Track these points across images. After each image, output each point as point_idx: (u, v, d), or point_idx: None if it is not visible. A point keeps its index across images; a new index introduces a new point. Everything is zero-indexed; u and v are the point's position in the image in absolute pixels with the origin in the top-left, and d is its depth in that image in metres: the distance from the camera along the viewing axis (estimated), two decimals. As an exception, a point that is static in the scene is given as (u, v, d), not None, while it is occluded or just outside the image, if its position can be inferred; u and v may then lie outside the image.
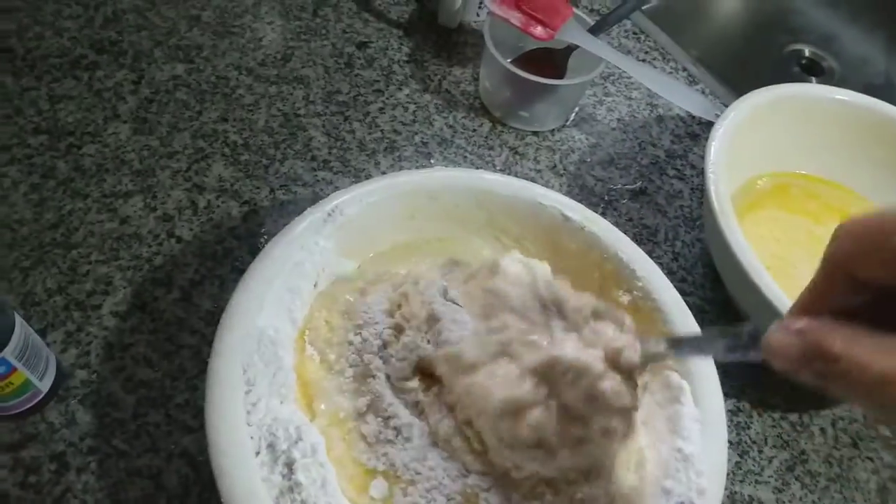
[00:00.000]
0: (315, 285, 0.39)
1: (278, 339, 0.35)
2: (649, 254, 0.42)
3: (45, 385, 0.38)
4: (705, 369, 0.37)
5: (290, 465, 0.31)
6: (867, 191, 0.55)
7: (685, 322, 0.39)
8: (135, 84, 0.55)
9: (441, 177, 0.42)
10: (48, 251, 0.45)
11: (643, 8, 0.72)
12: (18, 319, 0.35)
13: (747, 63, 0.78)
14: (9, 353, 0.34)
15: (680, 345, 0.34)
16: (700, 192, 0.57)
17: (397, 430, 0.34)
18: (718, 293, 0.50)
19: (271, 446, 0.32)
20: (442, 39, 0.63)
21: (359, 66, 0.59)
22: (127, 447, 0.39)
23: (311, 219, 0.38)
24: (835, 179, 0.56)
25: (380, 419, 0.35)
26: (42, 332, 0.42)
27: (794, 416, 0.46)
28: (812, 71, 0.80)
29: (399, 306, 0.38)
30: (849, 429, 0.46)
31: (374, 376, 0.36)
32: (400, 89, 0.58)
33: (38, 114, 0.52)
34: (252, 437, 0.32)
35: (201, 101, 0.54)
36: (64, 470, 0.38)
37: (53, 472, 0.37)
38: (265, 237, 0.47)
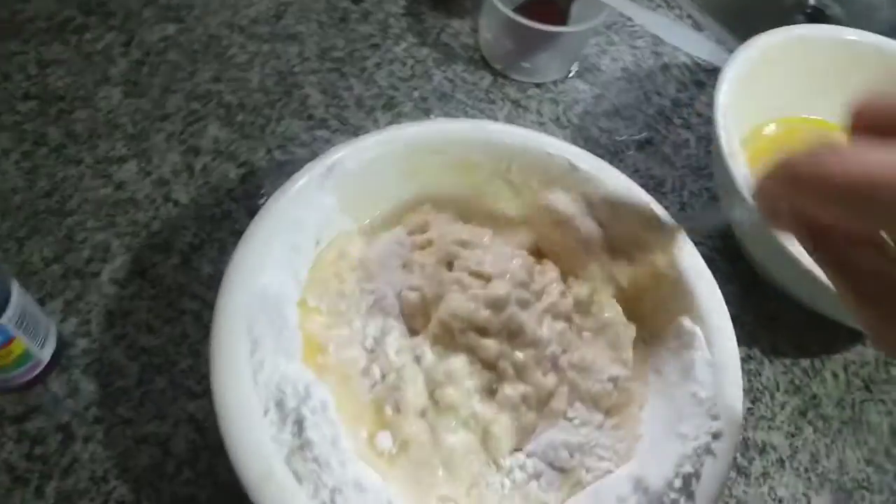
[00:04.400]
0: (317, 242, 0.38)
1: (282, 297, 0.34)
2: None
3: (45, 354, 0.38)
4: (717, 314, 0.36)
5: (299, 423, 0.31)
6: (878, 134, 0.54)
7: (701, 274, 0.38)
8: (125, 46, 0.53)
9: (445, 129, 0.41)
10: (43, 219, 0.44)
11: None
12: (16, 286, 0.34)
13: (752, 11, 0.76)
14: (7, 320, 0.33)
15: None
16: (706, 140, 0.55)
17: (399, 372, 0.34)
18: (728, 243, 0.49)
19: (280, 405, 0.31)
20: (439, -9, 0.61)
21: (354, 21, 0.57)
22: (133, 415, 0.38)
23: (310, 174, 0.37)
24: (843, 123, 0.54)
25: (386, 363, 0.34)
26: (41, 302, 0.41)
27: (805, 362, 0.45)
28: (817, 19, 0.78)
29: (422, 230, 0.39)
30: (861, 372, 0.45)
31: (389, 314, 0.36)
32: (397, 44, 0.57)
33: (26, 79, 0.50)
34: (259, 397, 0.31)
35: (193, 61, 0.53)
36: (70, 440, 0.37)
37: (60, 443, 0.37)
38: (264, 198, 0.46)
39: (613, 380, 0.35)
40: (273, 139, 0.50)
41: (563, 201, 0.37)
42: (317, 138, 0.50)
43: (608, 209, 0.37)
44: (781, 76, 0.51)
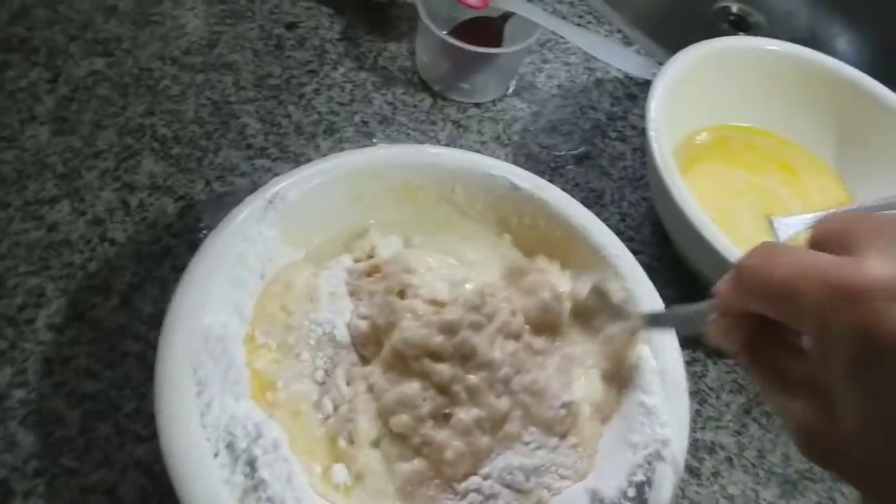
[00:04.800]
0: (262, 276, 0.37)
1: (227, 335, 0.34)
2: (597, 216, 0.42)
3: (-22, 409, 0.36)
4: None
5: (251, 464, 0.30)
6: (801, 139, 0.56)
7: (639, 282, 0.39)
8: (51, 83, 0.51)
9: (385, 154, 0.41)
10: (-30, 267, 0.42)
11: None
12: (-59, 341, 0.33)
13: (678, 22, 0.79)
14: (-67, 377, 0.32)
15: (654, 321, 0.36)
16: (642, 151, 0.57)
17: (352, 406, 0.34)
18: (666, 250, 0.51)
19: (230, 446, 0.30)
20: (374, 15, 0.61)
21: (289, 48, 0.57)
22: (77, 464, 0.37)
23: (251, 207, 0.37)
24: (770, 130, 0.57)
25: (338, 395, 0.34)
26: (-29, 353, 0.39)
27: (748, 362, 0.47)
28: (740, 27, 0.81)
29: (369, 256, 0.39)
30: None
31: (339, 344, 0.36)
32: (335, 69, 0.57)
33: (-55, 121, 0.48)
34: (209, 439, 0.30)
35: (125, 95, 0.52)
36: (9, 497, 0.35)
37: (-3, 501, 0.35)
38: (205, 232, 0.45)
39: (567, 405, 0.35)
40: (211, 171, 0.49)
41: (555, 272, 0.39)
42: (257, 167, 0.49)
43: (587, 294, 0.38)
44: (709, 87, 0.53)
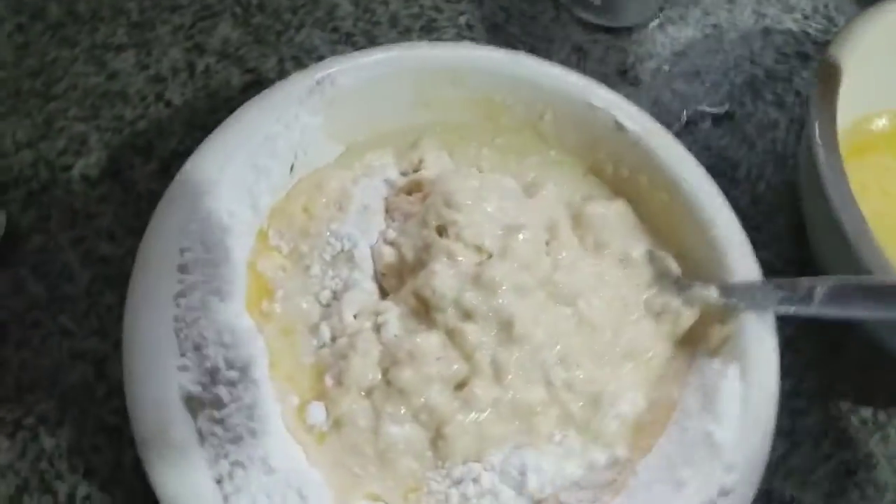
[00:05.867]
0: (291, 169, 0.32)
1: (231, 225, 0.29)
2: (723, 192, 0.34)
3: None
4: (761, 336, 0.29)
5: (213, 375, 0.26)
6: None
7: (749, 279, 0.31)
8: (148, -74, 0.48)
9: (470, 57, 0.34)
10: (25, 100, 0.40)
11: None
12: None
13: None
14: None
15: (731, 292, 0.29)
16: (800, 124, 0.46)
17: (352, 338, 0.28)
18: (800, 251, 0.40)
19: (198, 349, 0.26)
20: None
21: (405, -74, 0.50)
22: (74, 326, 0.34)
23: (294, 86, 0.31)
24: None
25: (339, 324, 0.29)
26: (3, 188, 0.37)
27: (866, 411, 0.37)
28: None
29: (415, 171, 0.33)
30: (935, 436, 0.37)
31: (356, 266, 0.30)
32: (451, -43, 0.49)
33: (38, -52, 0.46)
34: (179, 335, 0.26)
35: (218, -50, 0.47)
36: (2, 343, 0.33)
37: (-11, 344, 0.33)
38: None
39: (625, 419, 0.28)
40: (288, 48, 0.44)
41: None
42: (337, 54, 0.44)
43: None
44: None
